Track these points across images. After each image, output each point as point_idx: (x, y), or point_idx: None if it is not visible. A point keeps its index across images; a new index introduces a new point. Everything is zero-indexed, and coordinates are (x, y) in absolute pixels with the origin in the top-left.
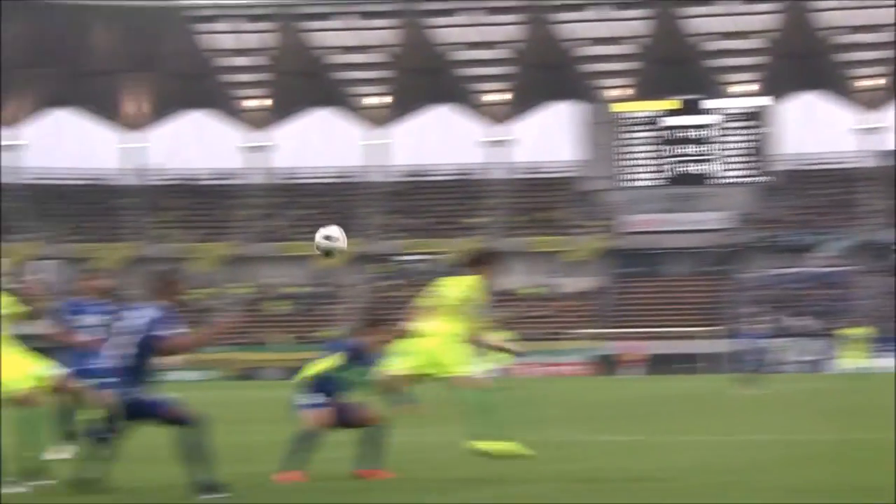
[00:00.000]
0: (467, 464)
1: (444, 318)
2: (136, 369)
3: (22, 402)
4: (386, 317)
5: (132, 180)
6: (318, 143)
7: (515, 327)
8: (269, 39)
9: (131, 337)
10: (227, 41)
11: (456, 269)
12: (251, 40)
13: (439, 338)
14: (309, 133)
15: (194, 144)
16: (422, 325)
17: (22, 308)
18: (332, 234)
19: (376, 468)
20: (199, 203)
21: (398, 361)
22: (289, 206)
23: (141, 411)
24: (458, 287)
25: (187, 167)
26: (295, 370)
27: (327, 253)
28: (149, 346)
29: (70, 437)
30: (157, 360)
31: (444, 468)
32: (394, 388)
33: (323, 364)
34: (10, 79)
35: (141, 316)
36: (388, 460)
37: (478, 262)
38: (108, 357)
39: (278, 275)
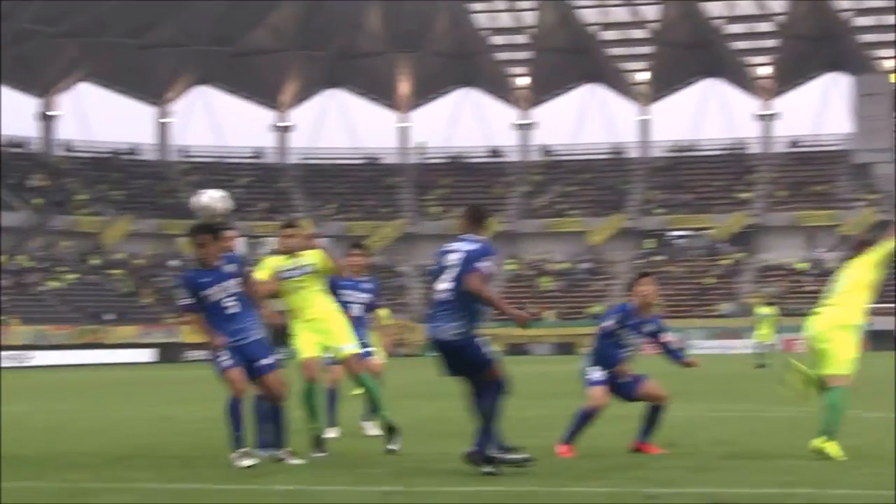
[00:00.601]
0: (747, 440)
1: (847, 304)
2: (458, 305)
3: (303, 370)
4: (653, 272)
5: (403, 158)
6: (585, 119)
7: (785, 302)
8: (535, 16)
9: (451, 271)
10: (496, 19)
11: (853, 251)
12: (518, 18)
13: (840, 327)
14: (574, 109)
15: (464, 122)
16: (830, 312)
17: (331, 263)
18: (210, 195)
19: (649, 443)
20: (468, 180)
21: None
22: (556, 182)
23: (465, 355)
24: (861, 269)
25: (457, 145)
26: (564, 346)
27: (205, 213)
28: (463, 283)
29: (333, 419)
30: (476, 300)
31: (717, 445)
32: (802, 386)
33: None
34: (284, 61)
35: (458, 249)
36: (664, 435)
37: (870, 241)
38: (434, 293)
39: (547, 251)
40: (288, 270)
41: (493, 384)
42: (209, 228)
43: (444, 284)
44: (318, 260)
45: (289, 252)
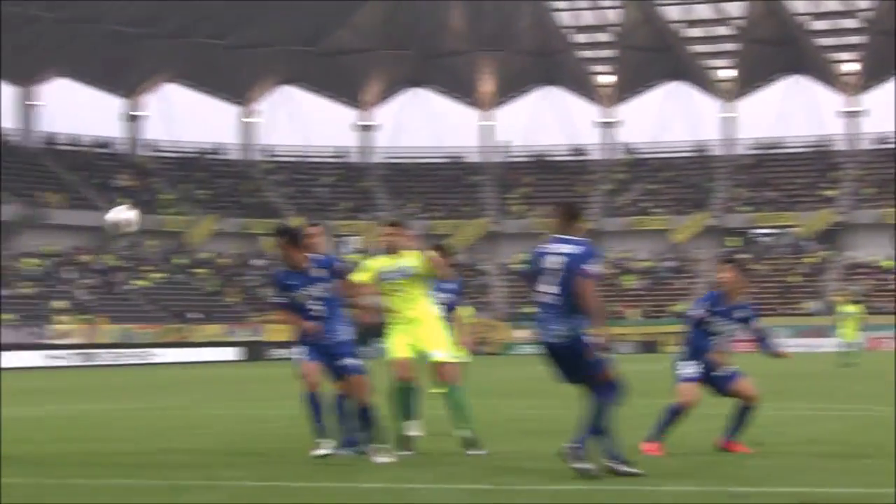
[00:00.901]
0: (834, 439)
1: None
2: (566, 308)
3: (393, 369)
4: (740, 257)
5: (486, 157)
6: (668, 117)
7: (871, 300)
8: (618, 14)
9: (556, 274)
10: (578, 17)
11: None
12: (601, 16)
13: None
14: (658, 107)
15: (548, 121)
16: None
17: (432, 266)
18: (120, 215)
19: (736, 442)
20: (552, 179)
21: None
22: (639, 180)
23: (576, 358)
24: None
25: (541, 143)
26: (647, 344)
27: (115, 231)
28: (572, 283)
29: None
30: (584, 302)
31: (804, 444)
32: None
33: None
34: (368, 60)
35: (560, 251)
36: (751, 434)
37: None
38: (537, 296)
39: (630, 249)
40: (389, 272)
41: (607, 387)
42: (288, 232)
43: (549, 287)
44: (419, 262)
45: (390, 252)
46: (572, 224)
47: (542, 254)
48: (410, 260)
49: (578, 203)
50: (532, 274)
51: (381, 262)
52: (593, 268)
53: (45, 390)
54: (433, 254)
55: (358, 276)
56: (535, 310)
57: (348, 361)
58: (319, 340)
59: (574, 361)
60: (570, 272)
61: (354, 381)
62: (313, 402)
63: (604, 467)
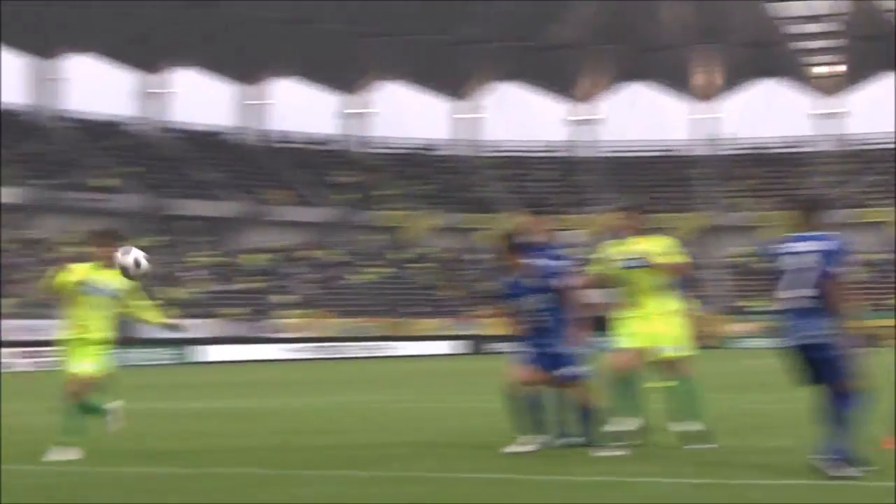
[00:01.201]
0: None
1: None
2: (821, 308)
3: (617, 360)
4: None
5: (704, 150)
6: (889, 107)
7: None
8: (840, 5)
9: (807, 274)
10: (797, 8)
11: None
12: (821, 6)
13: None
14: (883, 98)
15: (765, 113)
16: None
17: (668, 259)
18: (138, 258)
19: None
20: (770, 171)
21: None
22: (862, 172)
23: (824, 360)
24: None
25: (758, 136)
26: (868, 338)
27: (125, 272)
28: (825, 282)
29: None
30: (837, 301)
31: None
32: None
33: None
34: (583, 55)
35: (809, 249)
36: None
37: None
38: (781, 298)
39: (852, 241)
40: (624, 259)
41: (849, 394)
42: (510, 239)
43: (797, 289)
44: (655, 251)
45: (622, 237)
46: (815, 218)
47: (784, 253)
48: (647, 246)
49: (820, 195)
50: (775, 272)
51: (616, 249)
52: (846, 264)
53: (270, 383)
54: (668, 242)
55: (592, 269)
56: (777, 310)
57: (565, 371)
58: (537, 347)
59: (822, 364)
60: (823, 271)
61: (573, 386)
62: (516, 401)
63: (837, 474)
